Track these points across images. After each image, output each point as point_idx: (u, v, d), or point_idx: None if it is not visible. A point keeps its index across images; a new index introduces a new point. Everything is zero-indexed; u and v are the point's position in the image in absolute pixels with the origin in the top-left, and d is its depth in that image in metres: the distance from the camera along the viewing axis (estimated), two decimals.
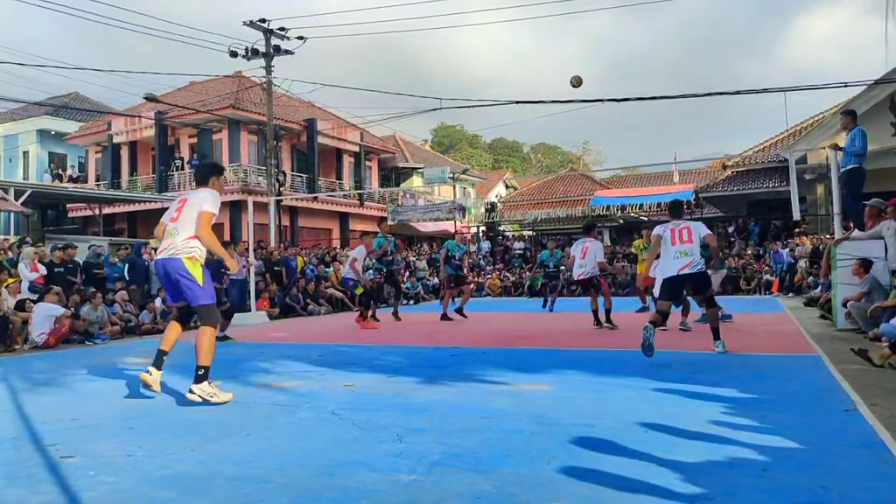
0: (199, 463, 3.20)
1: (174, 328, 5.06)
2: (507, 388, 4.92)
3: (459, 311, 11.59)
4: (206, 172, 5.31)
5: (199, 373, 4.66)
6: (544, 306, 13.83)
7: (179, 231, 4.82)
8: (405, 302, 16.44)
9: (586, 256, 9.74)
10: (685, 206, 24.84)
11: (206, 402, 4.53)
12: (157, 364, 4.87)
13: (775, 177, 22.71)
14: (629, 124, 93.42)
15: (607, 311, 9.76)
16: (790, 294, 16.28)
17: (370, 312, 11.12)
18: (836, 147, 9.56)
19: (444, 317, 11.44)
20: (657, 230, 6.85)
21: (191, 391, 4.61)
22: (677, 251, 6.45)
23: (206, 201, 4.89)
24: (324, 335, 9.81)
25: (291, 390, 5.11)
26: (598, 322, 9.77)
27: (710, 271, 10.51)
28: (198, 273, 4.75)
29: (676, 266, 6.40)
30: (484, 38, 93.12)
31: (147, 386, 4.75)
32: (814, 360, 5.93)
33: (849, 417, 3.73)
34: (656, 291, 7.65)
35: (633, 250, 11.77)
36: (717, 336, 6.61)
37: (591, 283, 9.88)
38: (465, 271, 13.78)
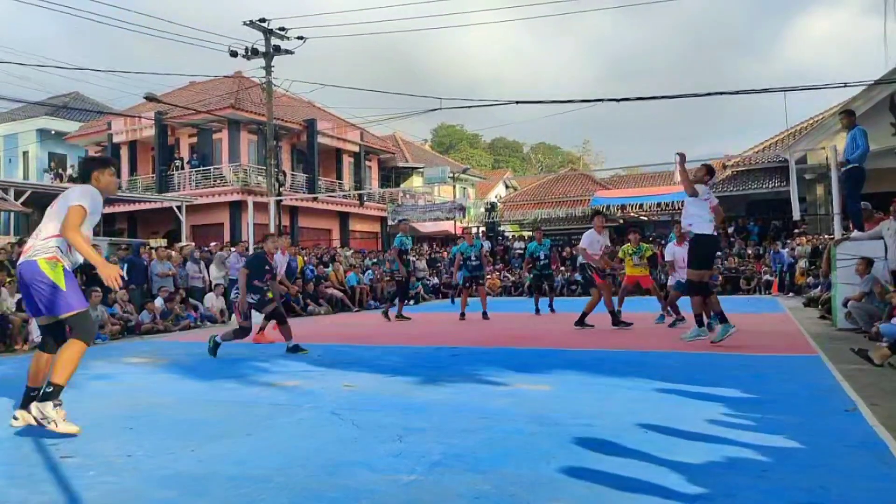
0: (199, 463, 3.20)
1: (39, 358, 4.09)
2: (507, 388, 4.92)
3: (484, 315, 11.66)
4: (87, 167, 4.24)
5: (48, 389, 3.81)
6: (537, 312, 12.53)
7: (41, 229, 3.97)
8: (407, 302, 16.46)
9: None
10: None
11: (40, 427, 3.73)
12: (25, 405, 3.95)
13: (775, 177, 22.73)
14: (629, 124, 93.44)
15: (584, 314, 9.69)
16: (790, 294, 16.29)
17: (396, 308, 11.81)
18: (842, 165, 9.20)
19: (463, 316, 11.75)
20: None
21: (27, 409, 3.84)
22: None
23: (73, 193, 3.99)
24: (324, 335, 9.81)
25: (291, 390, 5.11)
26: (616, 322, 9.59)
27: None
28: (58, 277, 3.84)
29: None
30: (484, 38, 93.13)
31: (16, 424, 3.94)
32: (814, 360, 5.93)
33: (849, 417, 3.74)
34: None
35: (619, 255, 11.74)
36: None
37: (584, 274, 9.77)
38: (486, 268, 13.39)
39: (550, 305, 13.07)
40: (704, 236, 6.78)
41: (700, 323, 7.03)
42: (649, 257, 11.61)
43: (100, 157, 4.81)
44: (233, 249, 13.70)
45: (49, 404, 3.76)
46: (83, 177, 4.19)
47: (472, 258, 12.08)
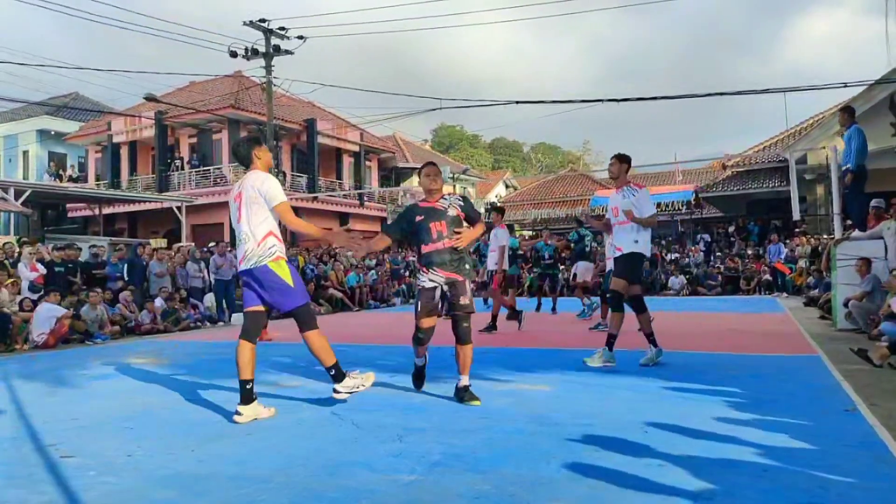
0: (199, 463, 3.20)
1: (245, 349, 4.34)
2: (507, 388, 4.92)
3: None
4: (248, 149, 4.33)
5: (332, 372, 4.27)
6: (538, 308, 12.69)
7: (252, 233, 4.18)
8: (409, 301, 16.49)
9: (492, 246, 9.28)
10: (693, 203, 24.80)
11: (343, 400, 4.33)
12: (248, 400, 4.20)
13: (775, 177, 22.72)
14: (629, 124, 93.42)
15: (494, 317, 9.27)
16: (784, 295, 16.28)
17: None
18: (845, 177, 9.06)
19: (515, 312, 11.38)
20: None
21: (249, 404, 4.17)
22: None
23: (266, 189, 4.15)
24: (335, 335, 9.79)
25: (291, 390, 5.11)
26: (519, 322, 9.26)
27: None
28: (286, 275, 4.15)
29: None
30: (484, 38, 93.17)
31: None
32: (814, 360, 5.93)
33: (849, 417, 3.74)
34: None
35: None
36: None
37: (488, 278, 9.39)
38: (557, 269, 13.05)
39: (553, 307, 12.76)
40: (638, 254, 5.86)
41: (610, 346, 5.91)
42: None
43: (252, 136, 4.89)
44: (214, 250, 13.65)
45: (347, 378, 4.30)
46: (245, 158, 4.34)
47: (546, 258, 12.22)
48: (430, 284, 4.43)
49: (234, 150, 4.49)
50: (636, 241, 5.77)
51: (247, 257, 4.19)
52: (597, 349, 5.92)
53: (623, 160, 6.07)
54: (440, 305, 4.47)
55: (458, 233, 4.43)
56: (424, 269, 4.49)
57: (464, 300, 4.38)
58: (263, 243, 4.16)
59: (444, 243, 4.39)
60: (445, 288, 4.40)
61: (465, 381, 4.48)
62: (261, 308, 4.31)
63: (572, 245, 11.96)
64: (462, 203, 4.59)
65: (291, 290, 4.17)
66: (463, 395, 4.44)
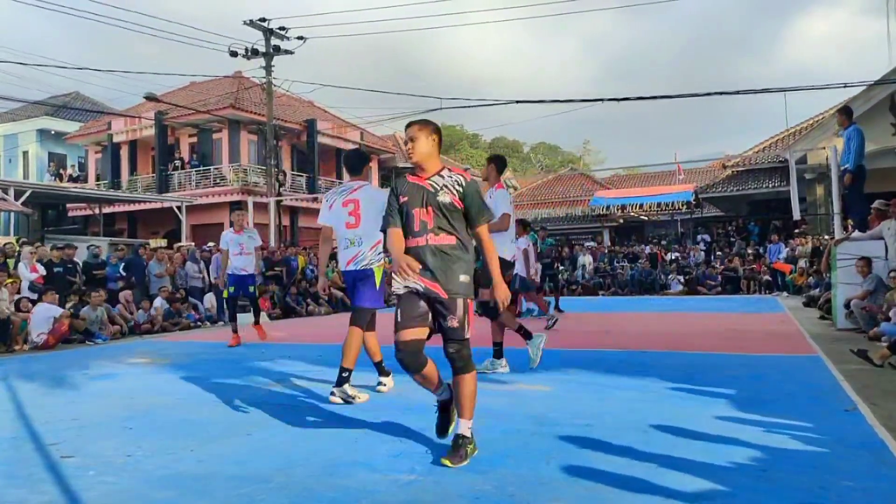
0: (199, 463, 3.20)
1: (358, 336, 4.80)
2: (507, 388, 4.92)
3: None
4: (362, 162, 4.97)
5: (344, 374, 4.62)
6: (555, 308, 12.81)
7: (367, 235, 4.67)
8: None
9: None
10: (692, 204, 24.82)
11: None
12: (340, 382, 4.61)
13: (775, 177, 22.72)
14: (629, 124, 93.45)
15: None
16: (784, 295, 16.29)
17: None
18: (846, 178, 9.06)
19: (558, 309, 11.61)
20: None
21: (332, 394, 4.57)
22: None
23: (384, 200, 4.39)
24: (324, 335, 9.81)
25: (291, 390, 5.11)
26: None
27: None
28: (379, 280, 4.78)
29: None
30: (484, 37, 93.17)
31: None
32: (814, 360, 5.93)
33: (849, 417, 3.73)
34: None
35: None
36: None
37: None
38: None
39: (557, 306, 12.78)
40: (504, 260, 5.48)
41: (498, 354, 5.72)
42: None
43: (365, 152, 5.26)
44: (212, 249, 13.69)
45: (347, 386, 4.57)
46: (356, 168, 4.90)
47: (544, 255, 12.39)
48: (404, 291, 3.20)
49: (349, 157, 5.04)
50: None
51: (357, 259, 4.69)
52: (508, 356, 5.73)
53: (493, 161, 5.83)
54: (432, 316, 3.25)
55: (447, 230, 3.20)
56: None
57: (452, 322, 3.16)
58: (375, 248, 4.72)
59: (427, 239, 3.17)
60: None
61: (460, 426, 3.18)
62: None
63: None
64: (462, 188, 3.21)
65: (376, 293, 4.76)
66: (452, 449, 3.11)
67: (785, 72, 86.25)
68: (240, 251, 8.22)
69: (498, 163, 5.86)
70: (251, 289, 8.46)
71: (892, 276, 7.43)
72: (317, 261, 16.84)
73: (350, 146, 29.45)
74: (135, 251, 13.25)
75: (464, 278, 3.20)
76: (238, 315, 8.60)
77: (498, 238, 5.25)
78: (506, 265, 5.44)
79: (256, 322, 8.86)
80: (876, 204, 8.63)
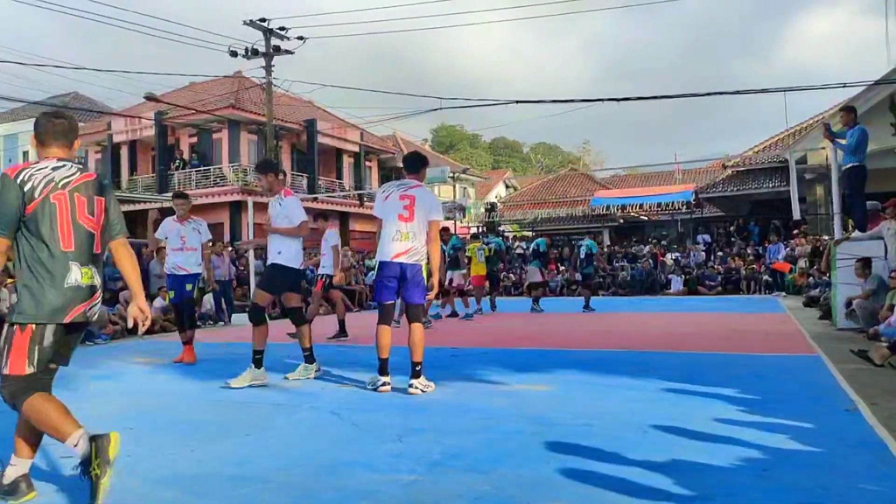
0: (199, 463, 3.20)
1: (386, 333, 4.93)
2: (507, 388, 4.92)
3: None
4: (423, 165, 5.22)
5: (418, 368, 4.84)
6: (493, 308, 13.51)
7: (419, 233, 4.86)
8: None
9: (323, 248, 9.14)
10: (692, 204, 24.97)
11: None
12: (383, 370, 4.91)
13: (775, 177, 22.71)
14: (629, 124, 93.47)
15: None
16: (783, 294, 16.28)
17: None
18: (828, 135, 9.16)
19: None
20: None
21: (411, 385, 4.77)
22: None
23: (435, 203, 5.02)
24: (324, 335, 9.80)
25: (291, 390, 5.11)
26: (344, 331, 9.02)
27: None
28: (425, 277, 4.98)
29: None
30: (484, 37, 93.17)
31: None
32: (814, 360, 5.93)
33: (849, 417, 3.73)
34: None
35: (468, 253, 12.73)
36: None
37: (310, 280, 9.38)
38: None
39: (492, 305, 13.48)
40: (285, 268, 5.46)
41: (257, 362, 5.37)
42: (489, 256, 13.00)
43: (423, 155, 5.41)
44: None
45: (423, 378, 4.83)
46: (415, 169, 5.11)
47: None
48: None
49: (410, 157, 5.27)
50: (279, 252, 5.40)
51: (411, 252, 4.79)
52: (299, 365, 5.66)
53: (264, 170, 5.62)
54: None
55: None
56: None
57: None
58: (424, 246, 4.87)
59: None
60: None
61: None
62: (394, 301, 4.96)
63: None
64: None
65: (423, 289, 4.91)
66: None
67: (785, 72, 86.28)
68: (181, 245, 6.85)
69: (272, 170, 5.59)
70: (188, 287, 6.89)
71: (893, 276, 7.43)
72: (317, 261, 16.84)
73: (350, 146, 29.50)
74: (138, 251, 13.25)
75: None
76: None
77: (287, 245, 5.41)
78: (291, 273, 5.44)
79: (187, 341, 6.98)
80: (869, 206, 8.67)
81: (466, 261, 12.58)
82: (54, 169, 2.73)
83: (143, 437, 3.71)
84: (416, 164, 5.15)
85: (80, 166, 2.89)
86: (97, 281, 2.80)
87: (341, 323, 9.02)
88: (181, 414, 4.39)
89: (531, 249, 13.70)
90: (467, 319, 11.48)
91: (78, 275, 2.68)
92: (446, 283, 11.62)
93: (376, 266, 5.01)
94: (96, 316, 2.83)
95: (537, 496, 2.60)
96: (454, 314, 11.87)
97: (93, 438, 2.55)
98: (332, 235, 9.17)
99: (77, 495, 2.76)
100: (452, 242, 12.09)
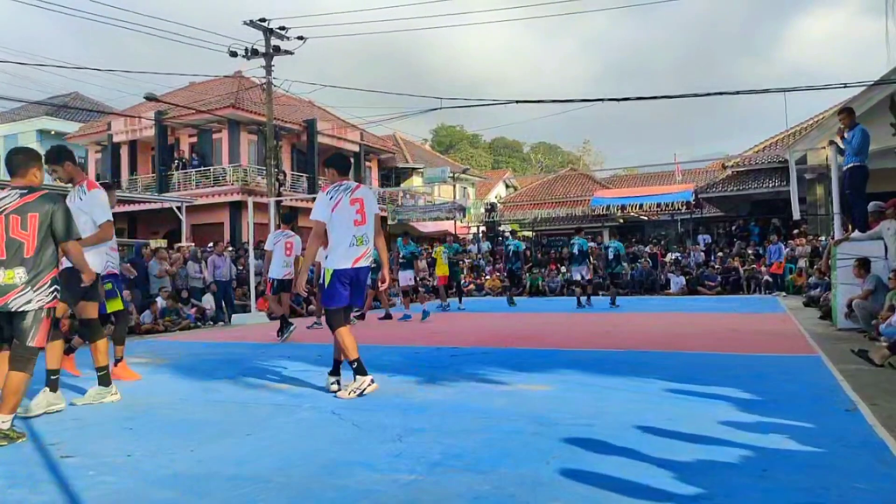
0: (199, 463, 3.20)
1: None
2: (507, 388, 4.91)
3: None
4: (350, 164, 5.37)
5: (353, 367, 4.80)
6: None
7: (369, 237, 4.88)
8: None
9: (291, 254, 9.20)
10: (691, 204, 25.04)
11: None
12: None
13: (775, 177, 22.70)
14: (629, 124, 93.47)
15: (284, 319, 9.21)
16: (784, 294, 16.28)
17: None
18: (834, 143, 9.45)
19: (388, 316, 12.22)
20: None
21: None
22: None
23: (374, 199, 5.07)
24: (324, 335, 9.79)
25: (291, 390, 5.11)
26: (281, 332, 9.08)
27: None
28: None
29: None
30: (484, 37, 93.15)
31: None
32: (814, 360, 5.93)
33: (849, 417, 3.73)
34: None
35: (434, 255, 13.20)
36: None
37: (290, 285, 9.35)
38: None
39: (459, 302, 14.41)
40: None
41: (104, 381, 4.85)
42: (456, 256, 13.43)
43: (347, 156, 5.36)
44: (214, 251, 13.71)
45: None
46: (347, 172, 5.08)
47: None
48: None
49: (341, 161, 5.12)
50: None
51: (366, 256, 4.84)
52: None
53: (58, 159, 4.77)
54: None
55: None
56: None
57: None
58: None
59: None
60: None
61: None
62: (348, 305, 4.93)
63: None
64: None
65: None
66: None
67: (785, 72, 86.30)
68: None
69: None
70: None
71: (892, 276, 7.43)
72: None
73: (350, 146, 29.49)
74: (136, 251, 13.25)
75: None
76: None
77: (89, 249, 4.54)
78: (74, 277, 4.49)
79: (68, 349, 5.92)
80: (870, 207, 8.65)
81: (431, 262, 12.99)
82: (2, 198, 3.83)
83: (143, 437, 3.72)
84: (346, 165, 5.16)
85: (24, 191, 3.86)
86: (19, 279, 3.77)
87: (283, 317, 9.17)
88: (181, 414, 4.39)
89: (576, 250, 14.15)
90: (405, 320, 11.46)
91: (2, 276, 3.74)
92: (401, 282, 12.27)
93: (326, 272, 4.76)
94: (21, 307, 3.75)
95: (537, 496, 2.60)
96: (389, 316, 12.10)
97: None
98: (300, 243, 9.46)
99: (77, 495, 2.77)
100: (410, 249, 12.80)
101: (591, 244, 17.27)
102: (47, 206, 3.84)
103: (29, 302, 3.77)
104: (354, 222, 4.76)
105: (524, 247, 17.80)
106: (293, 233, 9.37)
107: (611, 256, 14.42)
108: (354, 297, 4.94)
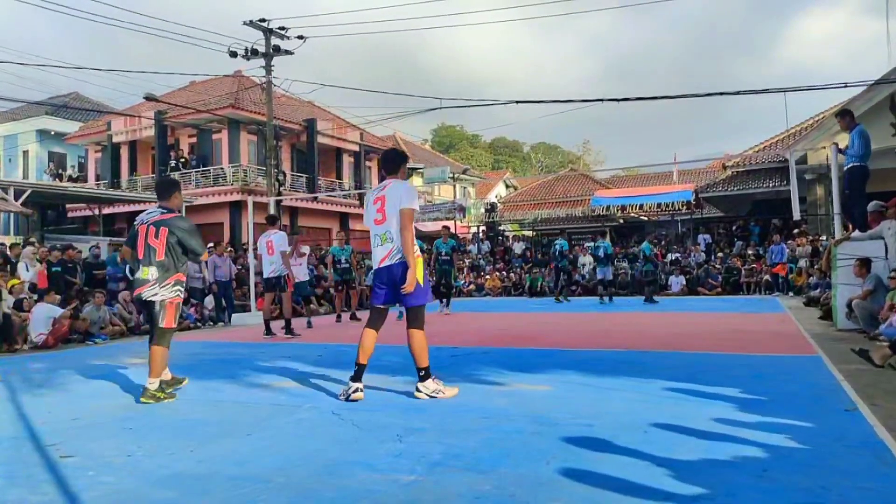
0: (199, 463, 3.20)
1: (369, 336, 4.74)
2: (507, 388, 4.91)
3: (353, 316, 12.28)
4: (400, 162, 4.85)
5: (421, 373, 4.63)
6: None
7: (394, 232, 4.58)
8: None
9: (274, 252, 9.34)
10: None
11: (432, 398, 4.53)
12: (358, 377, 4.64)
13: (775, 177, 22.71)
14: (629, 124, 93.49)
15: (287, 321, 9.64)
16: (790, 294, 16.29)
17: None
18: (835, 144, 9.53)
19: (338, 318, 12.30)
20: None
21: (417, 390, 4.62)
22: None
23: (406, 194, 4.59)
24: (324, 335, 9.81)
25: (291, 390, 5.11)
26: (269, 331, 9.36)
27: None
28: (421, 273, 4.60)
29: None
30: (484, 37, 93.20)
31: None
32: (814, 360, 5.93)
33: (849, 417, 3.73)
34: None
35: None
36: None
37: (279, 283, 9.52)
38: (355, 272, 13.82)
39: (447, 304, 13.14)
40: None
41: None
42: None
43: (399, 152, 5.07)
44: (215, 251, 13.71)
45: (430, 381, 4.61)
46: (393, 170, 4.78)
47: (342, 261, 12.40)
48: None
49: (384, 156, 4.98)
50: None
51: (391, 254, 4.61)
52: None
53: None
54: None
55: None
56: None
57: None
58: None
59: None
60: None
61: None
62: (384, 306, 4.78)
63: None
64: None
65: (420, 290, 4.58)
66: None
67: (785, 72, 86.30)
68: None
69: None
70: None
71: (893, 276, 7.43)
72: (316, 261, 16.84)
73: (350, 146, 29.52)
74: None
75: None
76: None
77: None
78: None
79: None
80: (871, 206, 8.64)
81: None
82: (149, 213, 5.02)
83: (143, 437, 3.71)
84: (389, 162, 4.86)
85: (164, 210, 5.01)
86: (151, 276, 4.82)
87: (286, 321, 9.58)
88: (181, 414, 4.39)
89: (601, 253, 15.53)
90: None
91: (141, 272, 4.85)
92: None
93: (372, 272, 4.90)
94: (150, 297, 4.79)
95: (537, 496, 2.60)
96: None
97: None
98: (280, 240, 9.53)
99: (77, 495, 2.77)
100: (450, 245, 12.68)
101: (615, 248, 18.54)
102: (175, 224, 4.93)
103: (155, 295, 4.84)
104: (375, 221, 4.65)
105: (568, 246, 18.05)
106: (276, 230, 9.62)
107: (641, 256, 15.57)
108: (391, 296, 4.65)
